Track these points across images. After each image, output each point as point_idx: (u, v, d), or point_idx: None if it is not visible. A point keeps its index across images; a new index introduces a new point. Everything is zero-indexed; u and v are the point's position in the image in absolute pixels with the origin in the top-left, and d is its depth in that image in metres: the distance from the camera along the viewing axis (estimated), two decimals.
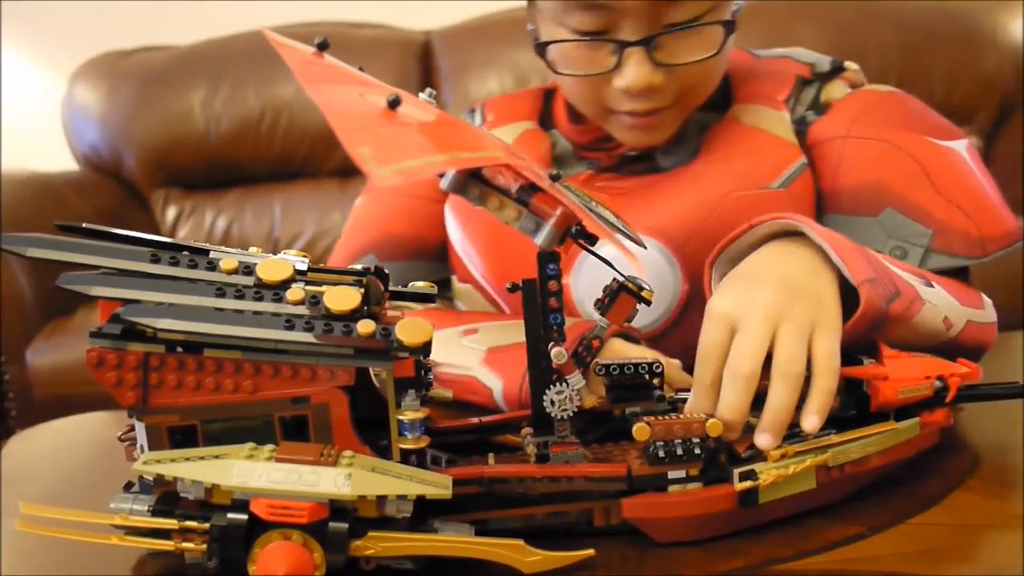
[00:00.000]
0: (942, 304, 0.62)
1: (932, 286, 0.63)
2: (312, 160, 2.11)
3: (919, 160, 0.73)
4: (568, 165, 0.83)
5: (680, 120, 0.78)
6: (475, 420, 0.61)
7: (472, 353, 0.74)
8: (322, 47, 0.46)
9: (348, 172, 2.10)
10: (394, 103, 0.41)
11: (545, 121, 0.88)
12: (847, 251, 0.56)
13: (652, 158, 0.80)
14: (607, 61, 0.73)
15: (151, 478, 0.47)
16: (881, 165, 0.74)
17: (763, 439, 0.50)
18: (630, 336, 0.75)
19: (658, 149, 0.80)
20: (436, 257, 0.88)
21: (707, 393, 0.53)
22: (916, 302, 0.58)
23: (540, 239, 0.49)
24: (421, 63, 2.14)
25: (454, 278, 0.88)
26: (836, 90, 0.79)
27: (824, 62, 0.81)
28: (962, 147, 0.74)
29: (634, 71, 0.71)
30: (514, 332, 0.74)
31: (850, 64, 0.81)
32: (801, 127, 0.78)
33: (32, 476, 0.70)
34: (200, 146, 2.09)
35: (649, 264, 0.73)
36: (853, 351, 0.57)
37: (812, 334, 0.52)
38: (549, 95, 0.89)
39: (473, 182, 0.48)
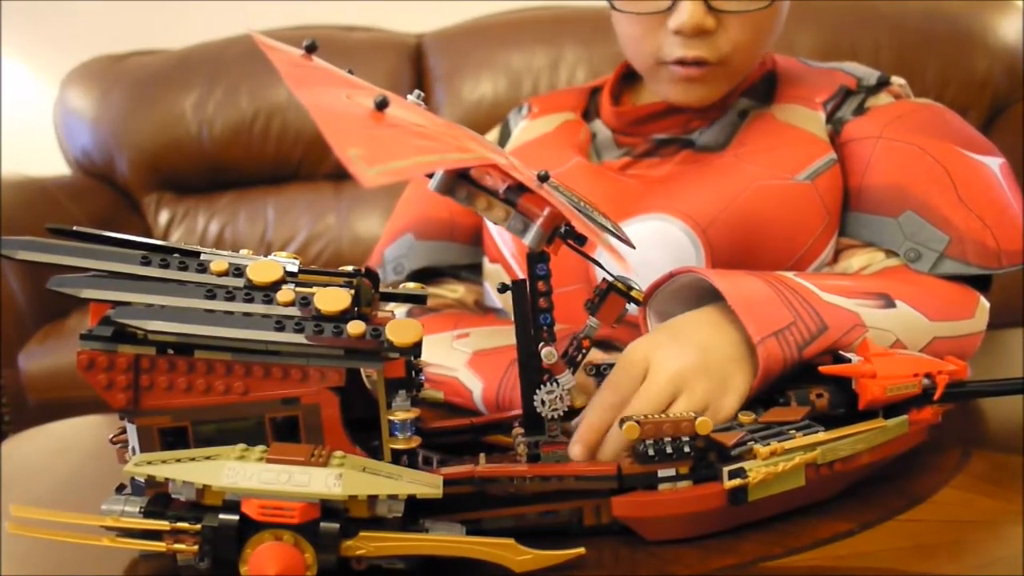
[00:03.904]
0: (897, 327, 0.63)
1: (894, 306, 0.64)
2: (305, 164, 2.11)
3: (946, 168, 0.73)
4: (607, 152, 0.86)
5: (726, 85, 0.79)
6: (466, 421, 0.61)
7: (459, 355, 0.75)
8: (310, 49, 0.46)
9: (342, 175, 2.10)
10: (382, 104, 0.41)
11: (588, 115, 0.90)
12: (756, 305, 0.58)
13: (686, 142, 0.82)
14: (662, 3, 0.74)
15: (143, 480, 0.47)
16: (908, 168, 0.74)
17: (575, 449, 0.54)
18: (614, 345, 0.76)
19: (694, 131, 0.82)
20: (470, 241, 0.90)
21: (602, 417, 0.55)
22: (853, 332, 0.60)
23: (528, 239, 0.49)
24: (414, 66, 2.14)
25: (485, 259, 0.89)
26: (879, 100, 0.81)
27: (872, 76, 0.82)
28: (995, 164, 0.74)
29: (687, 10, 0.73)
30: (503, 337, 0.75)
31: (896, 79, 0.82)
32: (837, 126, 0.79)
33: (27, 479, 0.70)
34: (193, 150, 2.09)
35: (674, 245, 0.75)
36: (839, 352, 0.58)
37: (703, 410, 0.56)
38: (595, 92, 0.92)
39: (461, 183, 0.49)
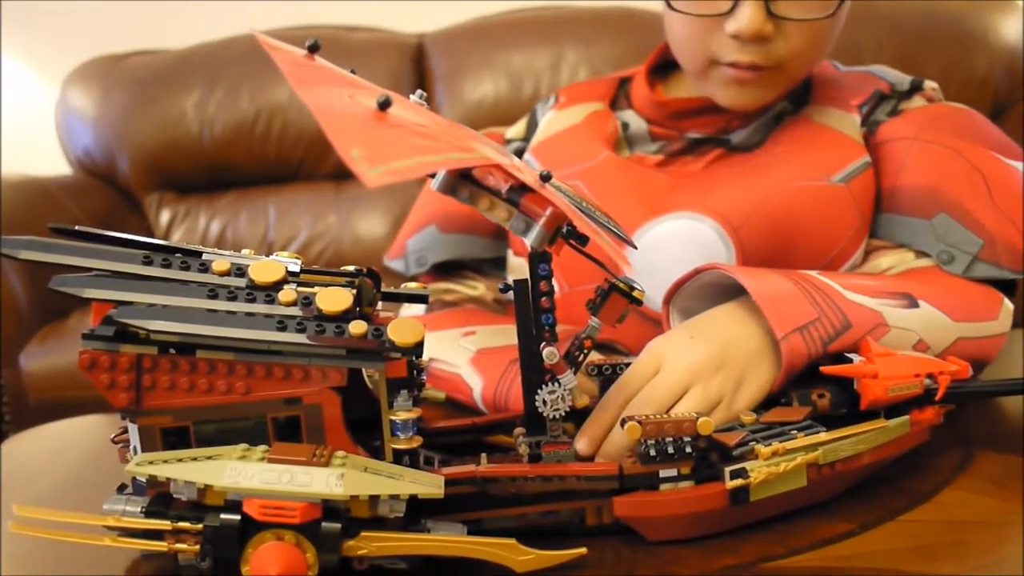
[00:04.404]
0: (919, 327, 0.63)
1: (917, 306, 0.64)
2: (307, 163, 2.11)
3: (981, 171, 0.73)
4: (640, 145, 0.85)
5: (777, 91, 0.79)
6: (468, 421, 0.61)
7: (464, 352, 0.75)
8: (313, 49, 0.46)
9: (343, 175, 2.10)
10: (384, 104, 0.41)
11: (617, 104, 0.89)
12: (780, 301, 0.58)
13: (720, 142, 0.81)
14: (722, 5, 0.73)
15: (144, 479, 0.47)
16: (943, 170, 0.74)
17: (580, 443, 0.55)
18: (617, 348, 0.76)
19: (732, 132, 0.81)
20: (493, 235, 0.90)
21: (610, 413, 0.56)
22: (875, 331, 0.60)
23: (530, 239, 0.49)
24: (415, 66, 2.14)
25: (509, 252, 0.89)
26: (913, 103, 0.80)
27: (905, 81, 0.82)
28: None
29: (748, 15, 0.72)
30: (508, 335, 0.75)
31: (929, 83, 0.82)
32: (872, 127, 0.79)
33: (28, 479, 0.70)
34: (194, 150, 2.09)
35: (705, 244, 0.75)
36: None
37: (715, 406, 0.56)
38: (625, 82, 0.91)
39: (463, 182, 0.49)
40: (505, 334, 0.76)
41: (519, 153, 0.90)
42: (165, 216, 2.14)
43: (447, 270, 0.90)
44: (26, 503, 0.47)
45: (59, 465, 0.73)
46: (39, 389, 1.66)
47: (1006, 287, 0.72)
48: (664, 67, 0.88)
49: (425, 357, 0.76)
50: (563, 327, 0.77)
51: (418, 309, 0.87)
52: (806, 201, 0.75)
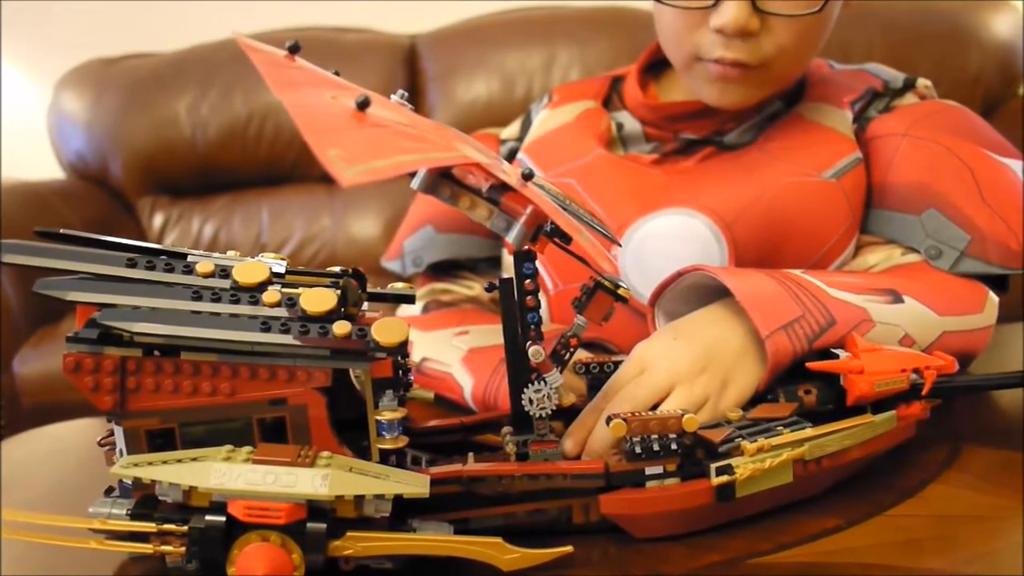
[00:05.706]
0: (905, 322, 0.63)
1: (901, 301, 0.64)
2: (300, 165, 2.11)
3: (971, 168, 0.73)
4: (635, 145, 0.85)
5: (764, 91, 0.78)
6: (455, 420, 0.61)
7: (456, 352, 0.75)
8: (293, 50, 0.46)
9: None
10: (363, 105, 0.41)
11: (610, 103, 0.89)
12: (764, 300, 0.58)
13: (714, 142, 0.81)
14: None
15: (130, 482, 0.47)
16: (933, 166, 0.74)
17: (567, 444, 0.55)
18: (607, 347, 0.76)
19: (726, 133, 0.81)
20: (490, 234, 0.88)
21: (596, 419, 0.56)
22: (860, 327, 0.60)
23: (512, 238, 0.49)
24: (407, 67, 2.14)
25: (503, 251, 0.89)
26: (905, 100, 0.81)
27: (898, 79, 0.82)
28: (1018, 167, 0.74)
29: (732, 9, 0.71)
30: (501, 335, 0.75)
31: (922, 80, 0.82)
32: (863, 123, 0.79)
33: (23, 482, 0.70)
34: (187, 152, 2.09)
35: (699, 240, 0.74)
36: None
37: (701, 406, 0.56)
38: (617, 81, 0.91)
39: (444, 182, 0.49)
40: (498, 333, 0.76)
41: (513, 153, 0.90)
42: (158, 220, 2.13)
43: (444, 270, 0.91)
44: (20, 506, 0.47)
45: (54, 468, 0.73)
46: (32, 393, 1.66)
47: (996, 282, 0.72)
48: (657, 65, 0.88)
49: (418, 357, 0.77)
50: (553, 326, 0.77)
51: (414, 310, 0.87)
52: (798, 197, 0.75)
